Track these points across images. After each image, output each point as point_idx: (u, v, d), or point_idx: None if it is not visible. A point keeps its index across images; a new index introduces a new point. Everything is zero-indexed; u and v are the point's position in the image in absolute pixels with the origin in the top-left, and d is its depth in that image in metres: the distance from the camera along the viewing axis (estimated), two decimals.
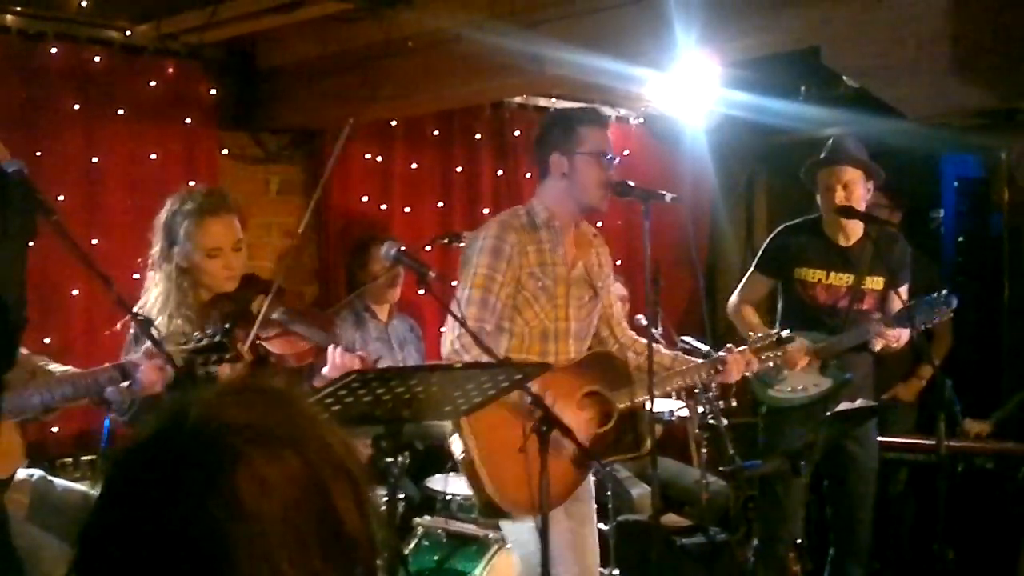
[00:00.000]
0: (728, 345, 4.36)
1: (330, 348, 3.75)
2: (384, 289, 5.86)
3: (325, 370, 3.72)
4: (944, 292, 4.83)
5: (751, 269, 5.15)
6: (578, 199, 4.08)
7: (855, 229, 4.99)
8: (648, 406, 4.00)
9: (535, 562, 3.90)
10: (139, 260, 4.03)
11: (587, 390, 4.06)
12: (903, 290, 4.99)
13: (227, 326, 3.52)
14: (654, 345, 4.26)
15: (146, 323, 3.37)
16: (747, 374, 5.16)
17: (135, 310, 3.86)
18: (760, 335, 4.45)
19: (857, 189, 4.87)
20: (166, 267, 3.88)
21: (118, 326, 3.86)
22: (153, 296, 3.88)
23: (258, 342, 3.67)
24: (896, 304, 4.97)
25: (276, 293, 3.69)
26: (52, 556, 3.73)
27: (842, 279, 4.98)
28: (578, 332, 4.11)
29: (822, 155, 4.98)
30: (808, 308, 4.93)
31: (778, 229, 5.18)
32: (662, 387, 4.21)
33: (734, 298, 5.11)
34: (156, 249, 3.93)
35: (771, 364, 4.49)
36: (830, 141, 5.01)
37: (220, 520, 1.00)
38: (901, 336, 4.83)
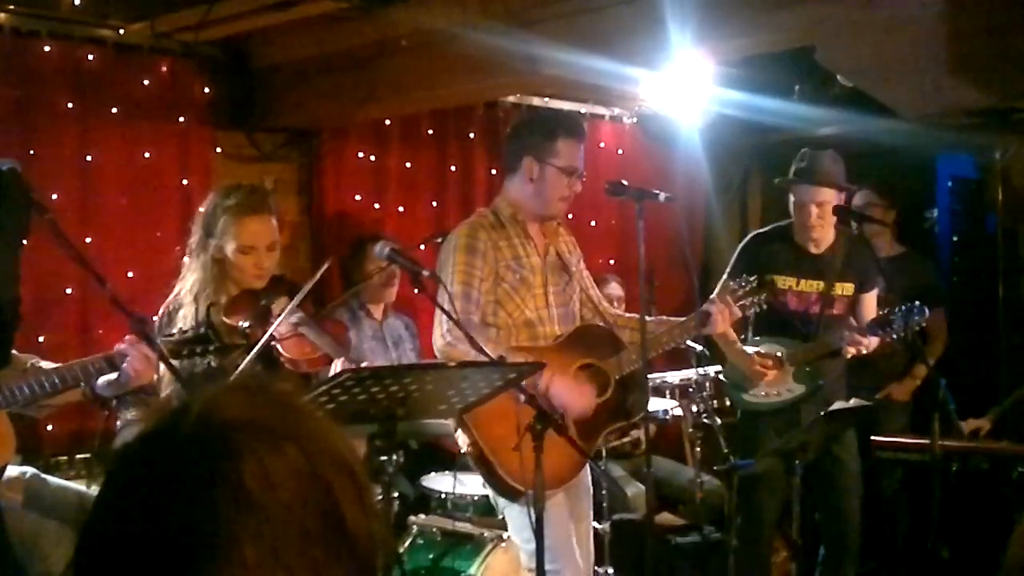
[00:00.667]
0: (710, 298, 4.40)
1: (338, 360, 3.80)
2: (380, 289, 5.86)
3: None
4: (916, 304, 4.89)
5: (724, 277, 5.18)
6: (539, 207, 4.16)
7: (826, 236, 5.04)
8: (644, 388, 4.09)
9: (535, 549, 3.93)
10: (177, 248, 4.16)
11: (580, 363, 4.11)
12: (873, 294, 5.11)
13: (246, 324, 3.60)
14: (635, 316, 4.32)
15: (141, 321, 3.38)
16: (722, 378, 5.24)
17: (171, 296, 4.00)
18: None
19: (830, 207, 4.94)
20: (202, 257, 4.00)
21: (155, 318, 3.91)
22: (188, 284, 4.00)
23: (272, 343, 3.71)
24: (866, 308, 5.09)
25: (301, 300, 3.76)
26: (51, 537, 3.73)
27: (813, 286, 5.03)
28: (562, 317, 4.17)
29: (800, 168, 5.00)
30: (779, 315, 4.96)
31: (749, 236, 5.22)
32: (652, 350, 4.25)
33: None
34: (195, 239, 4.05)
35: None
36: (808, 156, 5.00)
37: (226, 512, 1.00)
38: (871, 343, 4.89)
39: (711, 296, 4.48)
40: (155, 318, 3.92)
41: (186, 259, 4.07)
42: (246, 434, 1.04)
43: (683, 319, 4.36)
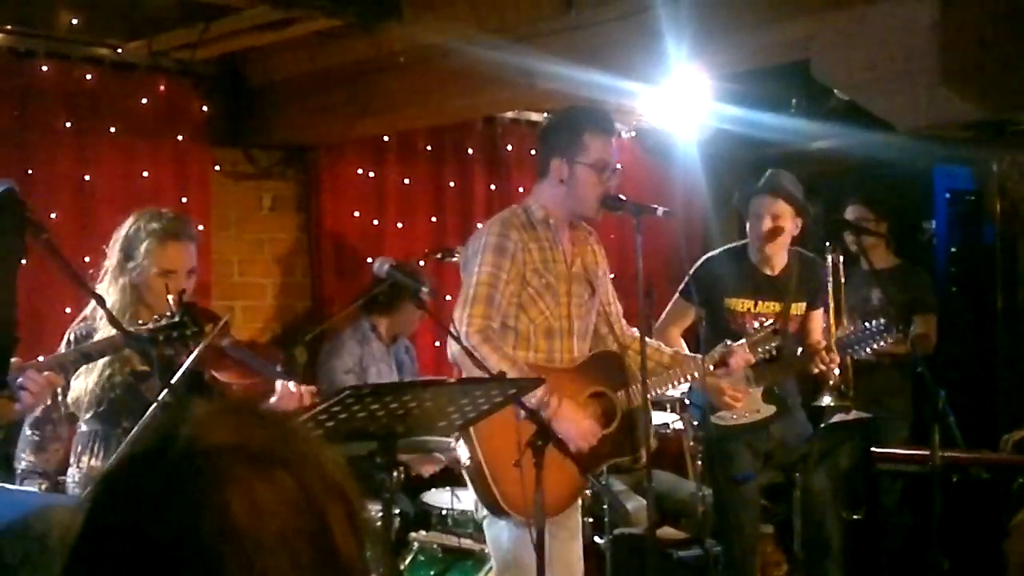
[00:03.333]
0: (726, 340, 4.37)
1: (279, 382, 3.72)
2: (413, 322, 5.84)
3: (272, 400, 3.70)
4: (881, 321, 4.93)
5: (676, 296, 5.18)
6: (573, 207, 4.06)
7: (781, 258, 5.09)
8: (646, 409, 4.03)
9: (509, 564, 3.91)
10: (90, 272, 4.00)
11: (592, 391, 4.07)
12: (820, 312, 5.15)
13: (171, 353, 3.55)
14: (653, 343, 4.29)
15: (139, 339, 3.37)
16: (687, 400, 5.26)
17: (78, 322, 3.92)
18: (756, 327, 4.51)
19: (786, 222, 4.98)
20: (121, 280, 3.91)
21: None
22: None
23: (212, 372, 3.68)
24: (814, 325, 5.15)
25: (223, 326, 3.65)
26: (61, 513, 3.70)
27: (770, 307, 5.07)
28: (580, 330, 4.10)
29: (759, 184, 5.06)
30: (736, 336, 4.96)
31: (704, 258, 5.19)
32: (664, 384, 4.23)
33: (661, 322, 5.13)
34: (112, 261, 3.95)
35: (765, 358, 4.53)
36: (769, 173, 5.08)
37: (212, 540, 0.99)
38: (836, 360, 4.91)
39: (727, 341, 4.42)
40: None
41: (101, 284, 3.93)
42: (234, 460, 1.03)
43: (698, 356, 4.33)
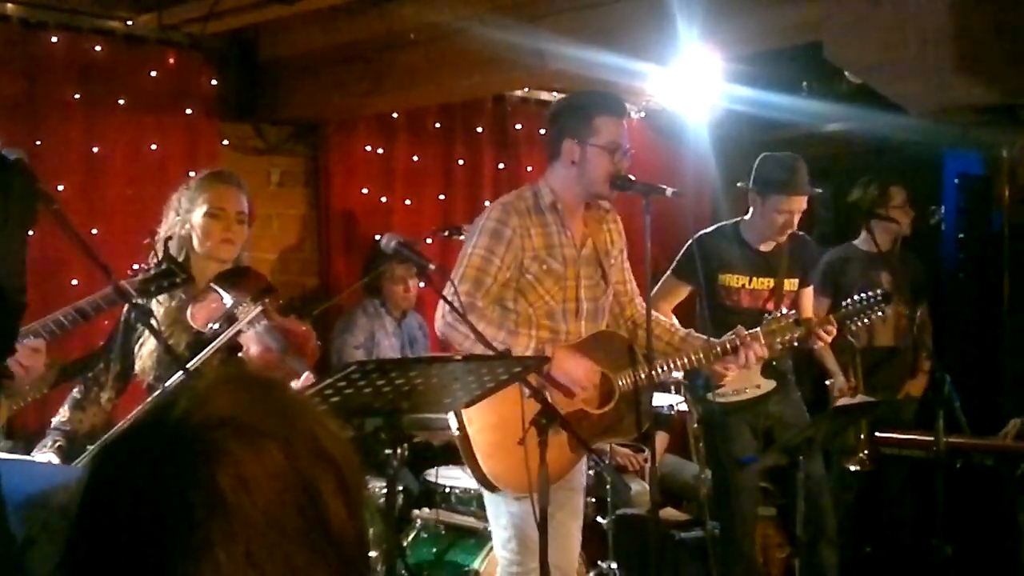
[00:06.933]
0: (738, 327, 4.32)
1: (306, 375, 3.66)
2: (400, 295, 5.86)
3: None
4: (878, 292, 4.86)
5: (668, 273, 5.17)
6: (586, 188, 4.05)
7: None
8: (648, 393, 4.04)
9: (506, 541, 3.93)
10: (146, 241, 3.90)
11: None
12: (810, 290, 5.27)
13: (215, 326, 3.52)
14: (666, 322, 4.35)
15: (147, 313, 3.37)
16: (683, 380, 5.26)
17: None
18: (776, 315, 4.47)
19: (799, 214, 5.04)
20: (173, 234, 3.83)
21: None
22: None
23: (239, 348, 3.64)
24: (805, 302, 5.21)
25: (263, 308, 3.60)
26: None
27: (764, 283, 5.10)
28: (591, 312, 4.09)
29: (785, 180, 4.98)
30: (731, 312, 4.96)
31: (696, 236, 5.13)
32: (669, 366, 4.22)
33: (652, 297, 5.11)
34: (167, 222, 3.89)
35: (781, 347, 4.49)
36: (789, 166, 4.99)
37: (199, 515, 0.99)
38: (832, 333, 4.87)
39: (738, 328, 4.36)
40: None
41: (159, 245, 3.80)
42: (226, 433, 1.03)
43: (712, 341, 4.29)
